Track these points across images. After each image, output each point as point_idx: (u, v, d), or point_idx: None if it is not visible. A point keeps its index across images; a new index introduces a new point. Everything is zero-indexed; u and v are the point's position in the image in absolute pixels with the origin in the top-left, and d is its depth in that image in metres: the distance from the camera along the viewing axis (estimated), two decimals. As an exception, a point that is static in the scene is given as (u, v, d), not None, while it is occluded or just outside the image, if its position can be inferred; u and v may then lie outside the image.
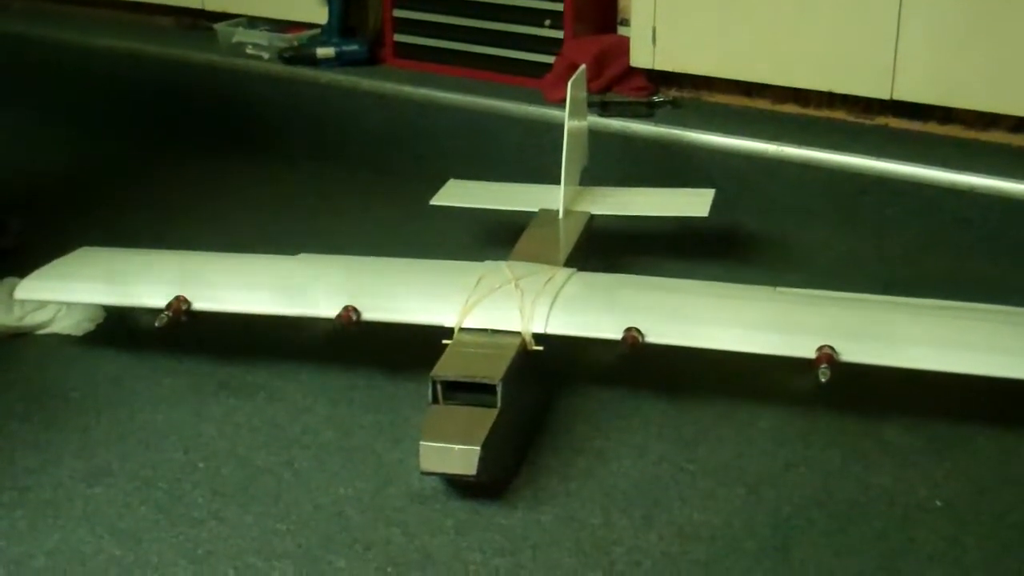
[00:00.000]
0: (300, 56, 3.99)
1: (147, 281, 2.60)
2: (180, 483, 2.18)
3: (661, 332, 2.23)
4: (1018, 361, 2.15)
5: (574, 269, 2.51)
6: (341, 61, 3.97)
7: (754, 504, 2.11)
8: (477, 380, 2.13)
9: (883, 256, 3.07)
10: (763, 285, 2.42)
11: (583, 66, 2.99)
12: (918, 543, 2.00)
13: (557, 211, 2.83)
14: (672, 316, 2.29)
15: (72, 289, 2.65)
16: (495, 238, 3.12)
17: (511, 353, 2.21)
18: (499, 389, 2.12)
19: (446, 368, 2.17)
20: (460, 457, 2.04)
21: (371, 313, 2.42)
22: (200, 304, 2.50)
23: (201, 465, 2.24)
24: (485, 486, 2.11)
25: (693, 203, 2.89)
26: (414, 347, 2.27)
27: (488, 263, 2.52)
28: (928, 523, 2.05)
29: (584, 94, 3.05)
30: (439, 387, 2.15)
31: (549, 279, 2.40)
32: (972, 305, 2.38)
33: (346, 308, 2.41)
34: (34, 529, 2.06)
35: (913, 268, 3.02)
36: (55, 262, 2.73)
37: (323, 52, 3.97)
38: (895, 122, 3.30)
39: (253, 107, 4.10)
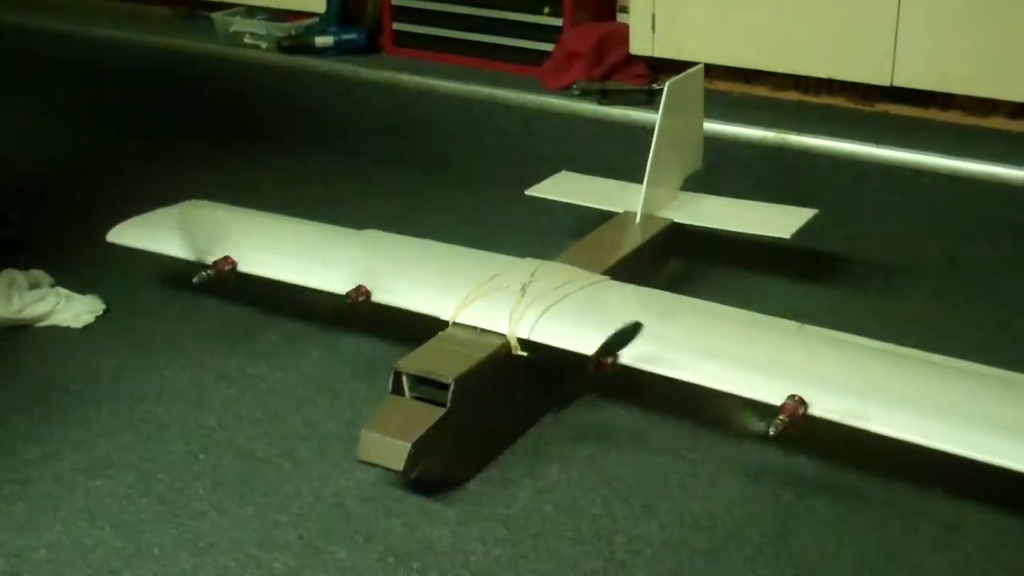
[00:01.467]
0: (298, 45, 3.99)
1: (206, 238, 2.67)
2: (181, 475, 2.18)
3: (637, 355, 2.13)
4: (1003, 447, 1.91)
5: (606, 278, 2.44)
6: (340, 50, 3.97)
7: (755, 492, 2.11)
8: (432, 377, 2.09)
9: (884, 242, 3.07)
10: (790, 320, 2.29)
11: (700, 65, 2.89)
12: (919, 531, 2.00)
13: (635, 215, 2.78)
14: (657, 340, 2.18)
15: (153, 238, 2.77)
16: (496, 232, 3.11)
17: (482, 355, 2.16)
18: (451, 388, 2.07)
19: (411, 360, 2.14)
20: (391, 451, 2.02)
21: (380, 295, 2.41)
22: (244, 267, 2.59)
23: (201, 457, 2.24)
24: (449, 483, 2.13)
25: (781, 222, 2.76)
26: (418, 337, 2.26)
27: (515, 260, 2.47)
28: (929, 511, 2.05)
29: (698, 91, 2.92)
30: (404, 378, 2.12)
31: (563, 284, 2.34)
32: (1006, 374, 2.14)
33: (357, 287, 2.41)
34: (35, 522, 2.06)
35: (914, 254, 3.02)
36: (154, 211, 2.88)
37: (322, 41, 3.97)
38: (895, 109, 3.30)
39: (251, 96, 4.09)
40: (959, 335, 2.62)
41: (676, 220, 2.81)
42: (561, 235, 2.94)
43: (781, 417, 1.96)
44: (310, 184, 3.66)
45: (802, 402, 1.98)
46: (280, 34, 4.03)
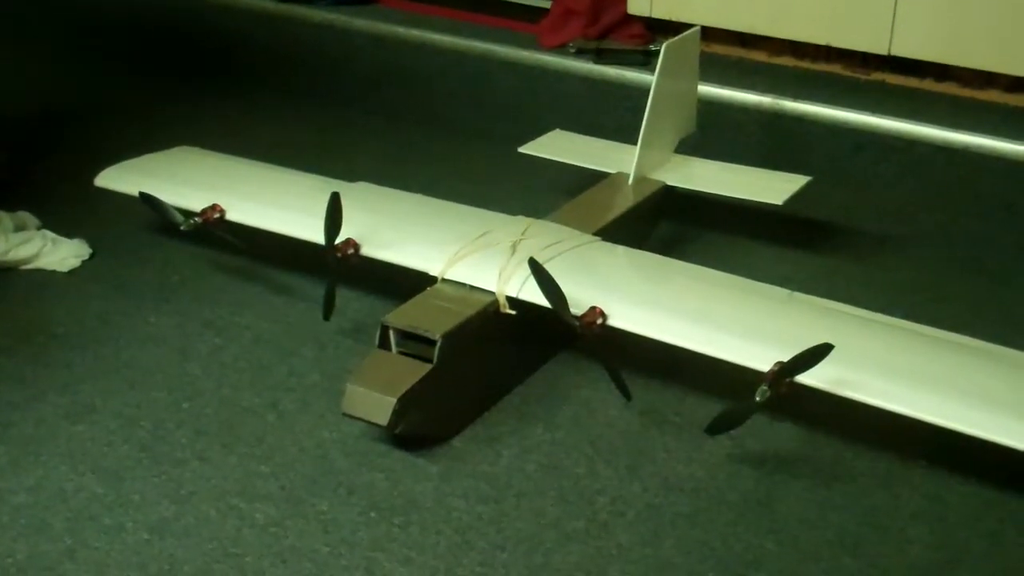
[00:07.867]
0: (294, -7, 3.96)
1: (195, 185, 2.66)
2: (164, 422, 2.18)
3: (625, 316, 2.14)
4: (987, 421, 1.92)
5: (597, 238, 2.44)
6: (336, 0, 3.93)
7: (739, 457, 2.11)
8: (419, 332, 2.08)
9: (876, 211, 3.06)
10: (781, 288, 2.29)
11: (697, 28, 2.86)
12: (902, 500, 2.01)
13: (627, 176, 2.76)
14: (646, 303, 2.20)
15: (141, 184, 2.69)
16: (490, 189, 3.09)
17: (470, 311, 2.15)
18: (438, 344, 2.06)
19: (399, 316, 2.13)
20: (376, 405, 2.02)
21: (369, 249, 2.40)
22: (232, 215, 2.57)
23: (185, 405, 2.23)
24: (435, 439, 2.13)
25: (774, 189, 2.75)
26: (406, 292, 2.24)
27: (507, 217, 2.46)
28: (912, 481, 2.06)
29: (694, 54, 2.88)
30: (391, 333, 2.11)
31: (554, 244, 2.32)
32: (992, 348, 2.15)
33: (347, 240, 2.39)
34: (16, 465, 2.05)
35: (906, 224, 3.01)
36: (143, 157, 2.88)
37: (317, -10, 3.94)
38: (892, 78, 3.28)
39: (245, 44, 4.06)
40: (948, 306, 2.62)
41: (669, 183, 2.80)
42: (553, 194, 2.93)
43: (766, 385, 1.95)
44: (302, 134, 3.63)
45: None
46: (275, -18, 4.00)
